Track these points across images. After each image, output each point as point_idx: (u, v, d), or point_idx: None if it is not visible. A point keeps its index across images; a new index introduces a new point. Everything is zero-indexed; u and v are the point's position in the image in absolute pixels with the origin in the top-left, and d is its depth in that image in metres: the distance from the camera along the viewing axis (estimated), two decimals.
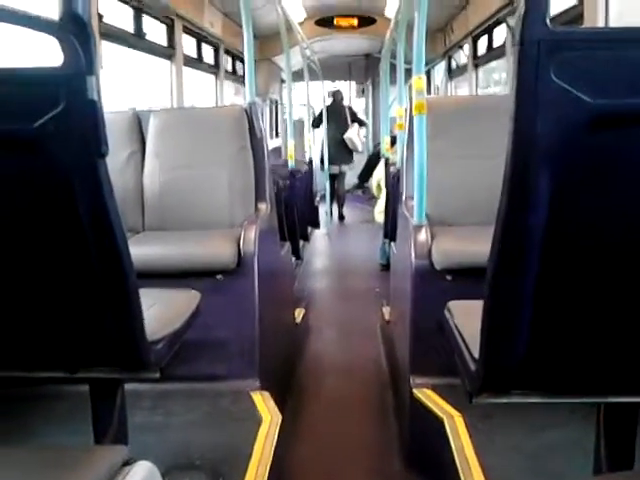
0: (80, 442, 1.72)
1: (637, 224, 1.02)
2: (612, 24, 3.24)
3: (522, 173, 0.99)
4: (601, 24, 3.19)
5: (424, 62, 2.59)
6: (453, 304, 1.61)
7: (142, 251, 2.42)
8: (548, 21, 0.92)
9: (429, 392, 2.31)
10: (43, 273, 1.18)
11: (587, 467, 1.38)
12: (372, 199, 8.14)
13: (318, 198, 8.42)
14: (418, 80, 2.57)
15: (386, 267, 4.94)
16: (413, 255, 2.43)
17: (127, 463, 0.99)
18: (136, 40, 4.69)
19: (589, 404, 1.37)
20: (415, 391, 2.36)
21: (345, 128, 9.46)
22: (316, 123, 9.18)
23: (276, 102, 10.62)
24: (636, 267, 1.06)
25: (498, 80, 7.63)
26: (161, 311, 1.52)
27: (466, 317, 1.45)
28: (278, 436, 2.12)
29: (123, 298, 1.21)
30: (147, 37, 4.86)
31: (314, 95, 9.67)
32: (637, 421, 1.31)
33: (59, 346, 1.30)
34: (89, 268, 1.16)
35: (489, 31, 6.38)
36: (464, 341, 1.37)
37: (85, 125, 1.03)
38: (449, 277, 2.37)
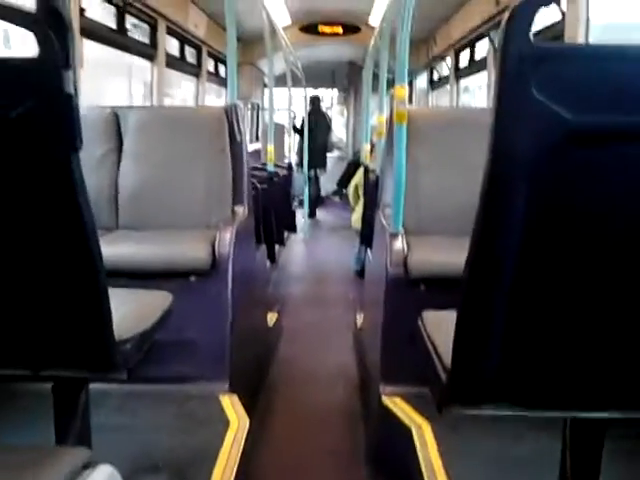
0: (41, 442, 1.69)
1: (614, 242, 1.03)
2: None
3: (499, 187, 1.00)
4: (581, 41, 3.24)
5: (407, 72, 2.60)
6: (427, 314, 1.60)
7: (115, 250, 2.39)
8: (531, 36, 0.92)
9: (398, 401, 2.31)
10: (9, 267, 1.15)
11: (551, 478, 1.39)
12: (349, 206, 8.18)
13: (296, 203, 8.43)
14: (400, 89, 2.58)
15: (361, 274, 4.95)
16: (388, 263, 2.43)
17: (87, 466, 0.97)
18: (118, 38, 4.64)
19: (556, 418, 1.37)
20: (384, 399, 2.35)
21: (326, 133, 9.84)
22: (300, 130, 9.33)
23: (257, 106, 10.62)
24: (610, 286, 1.06)
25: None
26: (131, 311, 1.49)
27: (439, 327, 1.45)
28: (245, 440, 2.10)
29: (91, 296, 1.19)
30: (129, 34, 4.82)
31: (295, 101, 9.74)
32: (604, 436, 1.32)
33: (23, 343, 1.26)
34: (58, 264, 1.14)
35: (471, 44, 6.44)
36: (436, 351, 1.36)
37: (60, 119, 1.01)
38: (423, 286, 2.37)
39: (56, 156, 1.04)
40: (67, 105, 1.00)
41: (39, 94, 0.98)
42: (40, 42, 0.97)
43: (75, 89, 1.00)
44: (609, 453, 1.33)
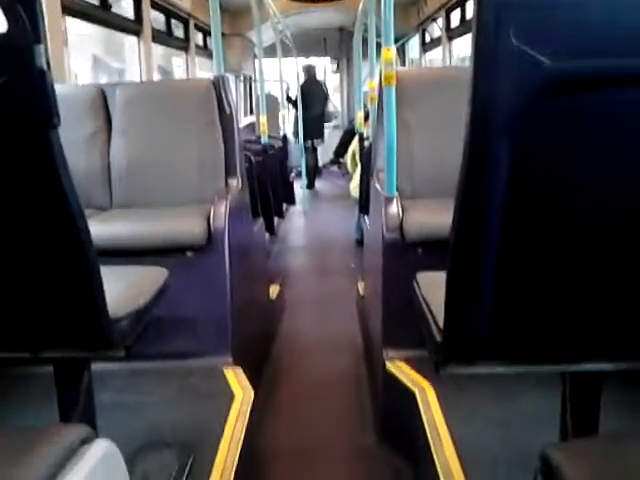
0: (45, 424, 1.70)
1: (598, 188, 1.02)
2: None
3: (481, 139, 0.98)
4: None
5: (393, 33, 2.55)
6: (421, 275, 1.60)
7: (109, 229, 2.38)
8: None
9: (401, 364, 2.32)
10: None
11: (554, 434, 1.39)
12: (347, 174, 8.16)
13: (293, 174, 8.39)
14: (387, 51, 2.54)
15: (361, 242, 4.94)
16: (384, 228, 2.42)
17: (86, 441, 0.97)
18: (102, 14, 4.57)
19: (555, 373, 1.37)
20: (387, 364, 2.36)
21: (323, 103, 9.72)
22: (294, 101, 9.23)
23: (250, 78, 10.51)
24: (598, 233, 1.05)
25: None
26: (125, 288, 1.48)
27: (433, 288, 1.45)
28: (251, 412, 2.11)
29: (82, 274, 1.18)
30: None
31: (288, 70, 9.63)
32: (601, 388, 1.32)
33: (19, 325, 1.26)
34: (45, 245, 1.13)
35: (462, 4, 6.35)
36: (430, 312, 1.36)
37: (35, 95, 0.99)
38: (420, 250, 2.36)
39: (34, 134, 1.02)
40: (40, 81, 0.98)
41: (10, 70, 0.97)
42: (8, 17, 0.95)
43: (48, 63, 0.98)
44: (607, 404, 1.33)
